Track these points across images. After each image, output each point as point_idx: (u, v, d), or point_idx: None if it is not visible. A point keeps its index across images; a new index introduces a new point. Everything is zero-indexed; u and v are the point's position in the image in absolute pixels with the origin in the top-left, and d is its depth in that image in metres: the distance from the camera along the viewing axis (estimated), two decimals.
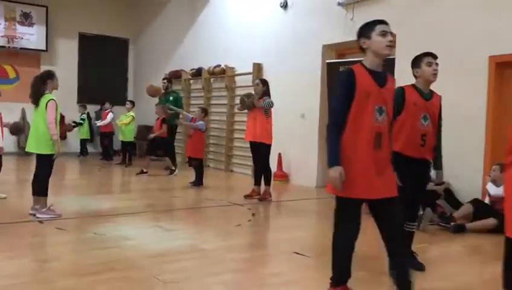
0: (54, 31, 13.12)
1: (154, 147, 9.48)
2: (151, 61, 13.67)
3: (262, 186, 6.81)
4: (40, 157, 5.22)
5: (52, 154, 5.24)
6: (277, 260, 4.02)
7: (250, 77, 9.69)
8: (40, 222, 4.99)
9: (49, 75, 5.30)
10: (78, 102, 13.52)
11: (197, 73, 11.38)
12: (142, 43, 14.41)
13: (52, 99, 5.21)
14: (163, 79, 10.26)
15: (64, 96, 13.69)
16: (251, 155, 7.00)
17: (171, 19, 12.87)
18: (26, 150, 5.29)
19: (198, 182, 7.96)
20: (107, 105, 11.75)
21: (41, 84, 5.20)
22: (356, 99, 2.78)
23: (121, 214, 5.51)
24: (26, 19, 12.57)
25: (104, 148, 11.89)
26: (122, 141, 10.75)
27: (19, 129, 7.25)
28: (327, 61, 8.17)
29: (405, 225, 3.48)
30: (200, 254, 3.99)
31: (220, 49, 10.85)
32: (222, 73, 10.54)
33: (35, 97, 5.16)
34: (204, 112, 9.47)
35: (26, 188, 6.76)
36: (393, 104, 2.96)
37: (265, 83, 6.86)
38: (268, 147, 6.74)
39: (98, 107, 13.47)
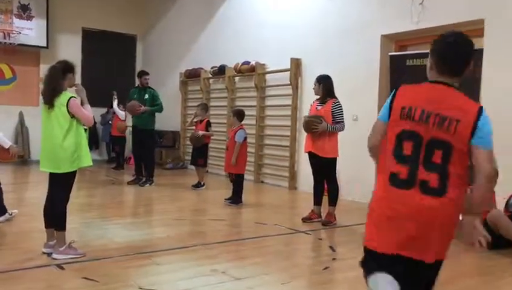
0: (55, 25, 11.75)
1: (196, 156, 8.14)
2: (163, 60, 12.33)
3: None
4: (57, 178, 3.89)
5: (74, 173, 3.92)
6: None
7: (286, 74, 8.39)
8: (60, 267, 3.65)
9: (70, 67, 3.99)
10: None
11: (220, 71, 10.06)
12: (151, 39, 13.07)
13: (74, 97, 3.89)
14: (146, 74, 8.52)
15: None
16: (311, 170, 5.68)
17: (186, 12, 11.55)
18: (40, 168, 3.95)
19: (236, 200, 6.65)
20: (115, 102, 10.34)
21: (60, 79, 3.87)
22: None
23: (162, 251, 4.18)
24: (25, 12, 11.19)
25: (116, 155, 10.56)
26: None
27: None
28: (390, 54, 6.92)
29: None
30: None
31: (246, 44, 9.54)
32: (251, 71, 9.23)
33: (52, 95, 3.82)
34: (206, 108, 8.18)
35: (32, 211, 5.43)
36: None
37: (322, 80, 5.49)
38: (334, 160, 5.44)
39: (103, 110, 12.16)
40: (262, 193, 8.09)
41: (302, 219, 5.60)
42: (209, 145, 8.25)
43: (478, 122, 2.01)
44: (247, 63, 9.31)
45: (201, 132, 7.92)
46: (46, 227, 4.00)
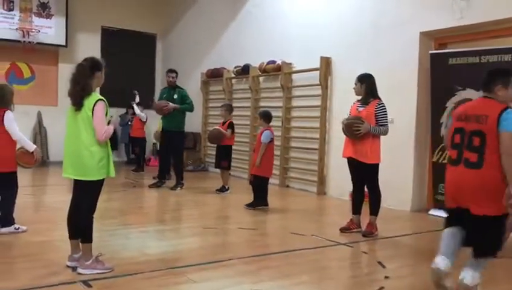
0: (74, 24, 11.50)
1: (220, 158, 7.78)
2: (183, 59, 12.01)
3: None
4: (83, 186, 3.55)
5: (101, 181, 3.59)
6: None
7: (314, 74, 8.00)
8: (87, 284, 3.31)
9: (99, 65, 3.66)
10: None
11: (243, 71, 9.70)
12: (171, 38, 12.77)
13: (102, 99, 3.55)
14: (172, 71, 8.14)
15: None
16: (350, 176, 5.27)
17: (207, 10, 11.21)
18: (63, 175, 3.62)
19: (256, 203, 6.31)
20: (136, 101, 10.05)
21: (89, 78, 3.54)
22: None
23: (196, 265, 3.81)
24: (44, 10, 10.95)
25: (136, 157, 10.27)
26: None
27: None
28: (431, 52, 6.49)
29: None
30: None
31: (272, 42, 9.17)
32: (277, 70, 8.85)
33: (80, 96, 3.49)
34: (230, 109, 7.80)
35: (54, 217, 5.12)
36: None
37: (364, 79, 5.08)
38: (377, 167, 5.03)
39: (122, 110, 11.91)
40: (289, 198, 7.70)
41: (341, 229, 5.20)
42: (232, 147, 7.89)
43: (501, 115, 3.05)
44: (273, 62, 8.94)
45: (217, 128, 7.58)
46: (70, 238, 3.67)
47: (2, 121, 4.58)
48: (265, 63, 9.08)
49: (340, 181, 7.68)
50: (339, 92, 7.74)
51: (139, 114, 9.97)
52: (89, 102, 3.48)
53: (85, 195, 3.57)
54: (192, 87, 11.43)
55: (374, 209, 5.12)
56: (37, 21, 10.84)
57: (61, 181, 9.24)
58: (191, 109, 8.04)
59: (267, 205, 6.39)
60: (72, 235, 3.65)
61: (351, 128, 4.85)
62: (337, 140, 7.74)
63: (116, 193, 7.40)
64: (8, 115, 4.61)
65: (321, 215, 6.48)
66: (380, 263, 4.07)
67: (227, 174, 7.83)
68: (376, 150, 4.96)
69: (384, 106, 4.98)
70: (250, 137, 9.53)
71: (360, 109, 5.04)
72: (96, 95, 3.56)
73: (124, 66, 12.27)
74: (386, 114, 4.96)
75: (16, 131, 4.61)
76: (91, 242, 3.58)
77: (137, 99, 10.13)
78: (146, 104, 10.89)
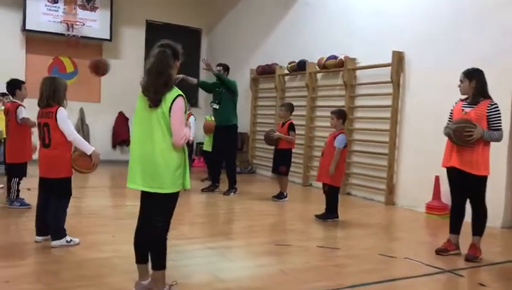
0: (118, 17, 11.03)
1: (278, 162, 7.09)
2: (230, 55, 11.36)
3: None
4: (156, 200, 2.91)
5: (177, 194, 2.95)
6: None
7: (382, 71, 7.21)
8: None
9: (178, 53, 3.02)
10: None
11: (298, 67, 8.98)
12: (218, 33, 12.17)
13: (182, 95, 2.92)
14: (218, 65, 7.68)
15: (130, 96, 11.51)
16: (450, 189, 4.48)
17: (257, 3, 10.54)
18: (129, 185, 2.98)
19: (327, 216, 5.61)
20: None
21: (172, 68, 2.92)
22: None
23: None
24: (89, 3, 10.51)
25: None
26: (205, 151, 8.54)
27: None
28: None
29: None
30: None
31: (332, 36, 8.41)
32: (338, 66, 8.10)
33: (162, 92, 2.85)
34: (290, 108, 7.09)
35: (104, 227, 4.46)
36: None
37: (474, 75, 4.29)
38: (485, 179, 4.24)
39: None
40: (354, 208, 6.92)
41: (437, 251, 4.43)
42: (292, 151, 7.18)
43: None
44: (334, 57, 8.19)
45: (277, 134, 6.89)
46: (138, 262, 3.05)
47: (55, 119, 4.01)
48: (325, 58, 8.35)
49: (412, 190, 6.91)
50: (413, 90, 6.94)
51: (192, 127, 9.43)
52: (168, 98, 2.85)
53: (158, 212, 2.94)
54: (240, 84, 10.71)
55: (479, 229, 4.33)
56: (81, 14, 10.41)
57: (103, 182, 8.89)
58: (231, 85, 7.37)
59: (337, 217, 5.68)
60: (141, 259, 3.02)
61: (462, 134, 4.07)
62: (409, 145, 6.98)
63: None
64: (62, 113, 4.06)
65: (402, 231, 5.70)
66: None
67: (286, 180, 7.13)
68: (486, 160, 4.17)
69: (497, 106, 4.18)
70: (306, 139, 8.82)
71: (467, 109, 4.25)
72: (176, 89, 2.92)
73: None
74: (500, 116, 4.17)
75: (72, 130, 4.05)
76: (165, 269, 2.95)
77: None
78: (190, 101, 10.36)
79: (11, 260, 3.69)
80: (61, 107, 4.09)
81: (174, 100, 2.85)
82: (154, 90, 2.85)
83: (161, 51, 2.92)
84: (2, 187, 6.92)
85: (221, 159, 7.56)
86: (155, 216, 2.94)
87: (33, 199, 4.70)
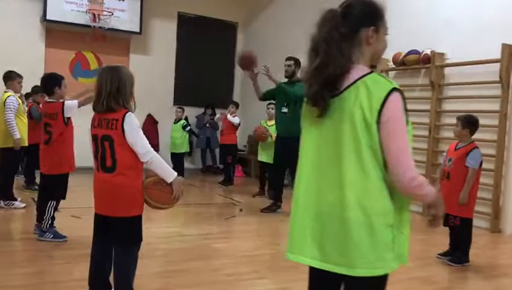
0: (149, 8, 9.76)
1: None
2: (269, 52, 9.97)
3: None
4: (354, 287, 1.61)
5: (386, 277, 1.64)
6: None
7: (484, 68, 5.91)
8: None
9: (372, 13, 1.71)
10: (174, 103, 10.16)
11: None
12: (255, 28, 10.87)
13: (398, 89, 1.62)
14: (288, 59, 6.52)
15: (159, 96, 9.92)
16: None
17: None
18: (291, 256, 1.68)
19: (459, 259, 4.28)
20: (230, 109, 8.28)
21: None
22: None
23: None
24: None
25: (225, 167, 8.49)
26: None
27: None
28: None
29: None
30: None
31: (411, 27, 7.06)
32: (425, 63, 6.78)
33: (333, 81, 1.57)
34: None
35: None
36: None
37: None
38: None
39: (199, 109, 10.20)
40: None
41: None
42: None
43: None
44: (416, 52, 6.88)
45: None
46: None
47: (121, 130, 2.72)
48: (403, 54, 7.04)
49: None
50: None
51: (230, 118, 8.16)
52: (374, 92, 1.56)
53: None
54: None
55: None
56: (108, 3, 9.13)
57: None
58: (292, 95, 6.00)
59: (468, 261, 4.34)
60: None
61: None
62: None
63: (227, 224, 5.50)
64: (131, 121, 2.75)
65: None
66: None
67: None
68: None
69: None
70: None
71: None
72: (380, 75, 1.64)
73: (201, 58, 10.48)
74: None
75: (147, 147, 2.75)
76: None
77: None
78: (220, 103, 9.44)
79: None
80: (129, 113, 2.79)
81: (386, 97, 1.56)
82: (329, 84, 1.57)
83: (330, 18, 1.66)
84: (24, 207, 5.65)
85: (284, 173, 6.36)
86: None
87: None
